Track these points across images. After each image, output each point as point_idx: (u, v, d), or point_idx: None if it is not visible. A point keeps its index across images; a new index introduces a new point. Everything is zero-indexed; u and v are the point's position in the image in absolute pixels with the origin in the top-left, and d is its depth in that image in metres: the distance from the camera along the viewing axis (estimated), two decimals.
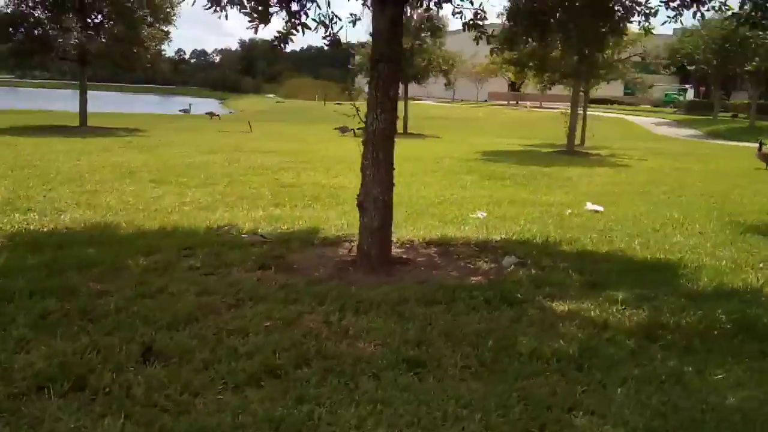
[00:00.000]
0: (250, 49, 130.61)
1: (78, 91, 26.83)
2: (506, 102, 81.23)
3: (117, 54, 25.01)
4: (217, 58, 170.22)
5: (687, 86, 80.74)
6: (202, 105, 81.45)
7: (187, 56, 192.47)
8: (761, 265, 7.43)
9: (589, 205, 11.79)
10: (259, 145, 23.72)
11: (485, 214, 10.70)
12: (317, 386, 3.88)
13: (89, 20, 25.06)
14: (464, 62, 69.74)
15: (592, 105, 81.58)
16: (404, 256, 7.27)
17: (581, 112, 27.29)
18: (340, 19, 6.69)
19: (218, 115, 41.87)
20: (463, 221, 9.93)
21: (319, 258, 6.97)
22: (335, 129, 32.76)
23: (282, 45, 6.45)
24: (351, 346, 4.52)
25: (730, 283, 6.55)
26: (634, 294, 5.98)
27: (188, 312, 4.96)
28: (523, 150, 26.21)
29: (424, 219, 10.02)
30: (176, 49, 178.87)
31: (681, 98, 74.68)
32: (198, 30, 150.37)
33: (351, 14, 7.17)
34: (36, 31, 23.76)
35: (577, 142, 30.85)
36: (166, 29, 26.90)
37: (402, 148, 24.92)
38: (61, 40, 23.81)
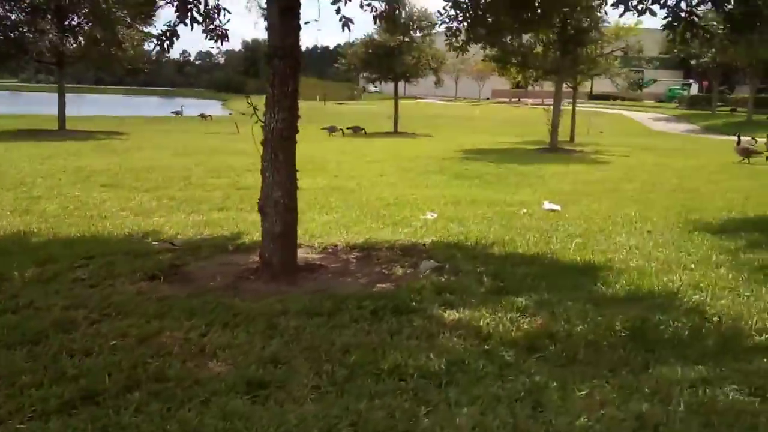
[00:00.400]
0: (253, 49, 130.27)
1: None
2: (508, 99, 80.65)
3: (94, 55, 24.79)
4: (222, 60, 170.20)
5: (691, 81, 79.98)
6: (203, 107, 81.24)
7: (192, 58, 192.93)
8: (693, 266, 7.08)
9: (546, 205, 11.46)
10: (238, 146, 23.42)
11: (435, 215, 10.40)
12: (133, 414, 3.58)
13: (66, 22, 24.83)
14: (466, 60, 69.44)
15: (595, 101, 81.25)
16: (319, 263, 6.97)
17: (568, 108, 26.84)
18: (229, 12, 6.40)
19: (210, 116, 41.64)
20: (408, 223, 9.61)
21: (223, 266, 6.68)
22: (323, 129, 32.53)
23: (169, 42, 6.15)
24: (198, 366, 4.22)
25: (649, 286, 6.21)
26: (538, 300, 5.65)
27: (41, 329, 4.68)
28: (508, 148, 25.86)
29: (368, 222, 9.73)
30: (181, 50, 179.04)
31: (685, 93, 73.93)
32: (201, 32, 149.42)
33: (260, 8, 6.89)
34: (12, 34, 23.56)
35: (566, 138, 30.56)
36: (146, 30, 26.66)
37: (383, 147, 24.82)
38: (38, 42, 23.54)
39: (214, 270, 6.51)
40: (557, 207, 11.31)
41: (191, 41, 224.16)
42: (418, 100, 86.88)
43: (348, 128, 33.73)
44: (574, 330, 4.96)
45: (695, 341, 4.79)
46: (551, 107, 23.55)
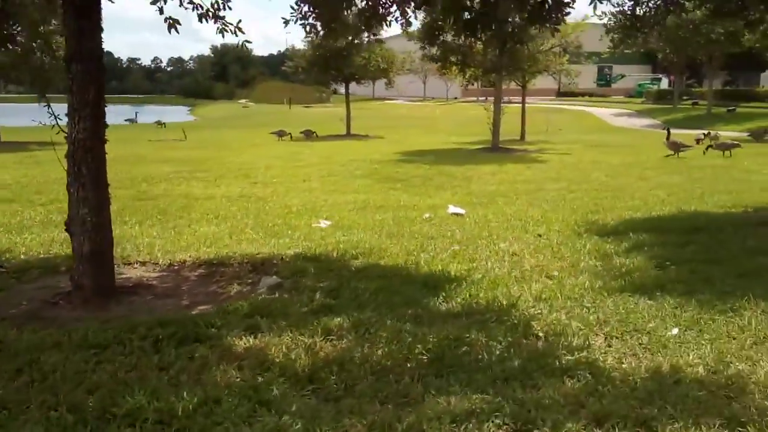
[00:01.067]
0: (222, 54, 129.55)
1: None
2: (476, 98, 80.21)
3: (27, 66, 24.07)
4: (193, 65, 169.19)
5: (661, 76, 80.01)
6: (170, 113, 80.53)
7: (164, 64, 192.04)
8: (556, 272, 6.65)
9: (451, 208, 11.04)
10: (174, 153, 22.94)
11: (329, 223, 9.93)
12: None
13: None
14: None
15: (562, 97, 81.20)
16: (151, 282, 6.47)
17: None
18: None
19: (164, 124, 40.95)
20: (291, 234, 9.12)
21: (41, 289, 6.15)
22: (271, 133, 32.01)
23: None
24: None
25: (490, 299, 5.75)
26: (357, 319, 5.16)
27: None
28: (453, 148, 25.45)
29: (249, 233, 9.22)
30: (152, 57, 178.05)
31: (655, 88, 73.75)
32: (174, 37, 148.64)
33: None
34: None
35: (516, 137, 30.31)
36: None
37: (323, 151, 24.28)
38: None
39: (27, 294, 5.99)
40: (461, 211, 10.89)
41: (165, 47, 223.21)
42: (387, 102, 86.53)
43: (301, 132, 33.27)
44: (372, 354, 4.49)
45: (497, 363, 4.33)
46: (492, 106, 23.10)
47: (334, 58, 30.45)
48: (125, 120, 46.16)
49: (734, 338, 4.81)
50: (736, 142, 20.46)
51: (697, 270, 6.59)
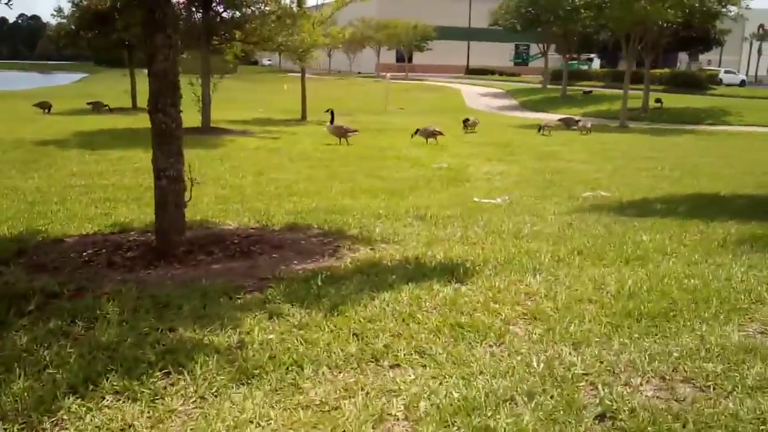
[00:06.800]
0: None
1: None
2: (376, 74, 76.35)
3: None
4: None
5: (593, 56, 76.66)
6: (58, 79, 76.50)
7: None
8: None
9: None
10: None
11: None
12: None
13: None
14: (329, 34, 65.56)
15: (471, 75, 77.83)
16: None
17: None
18: None
19: None
20: None
21: None
22: (87, 104, 29.35)
23: None
24: None
25: None
26: None
27: None
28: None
29: None
30: None
31: (586, 68, 69.86)
32: None
33: None
34: None
35: (294, 116, 27.73)
36: None
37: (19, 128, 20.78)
38: None
39: None
40: None
41: None
42: (289, 75, 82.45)
43: (87, 103, 30.32)
44: None
45: None
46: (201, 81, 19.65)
47: (101, 22, 27.05)
48: None
49: None
50: (438, 131, 17.57)
51: None
